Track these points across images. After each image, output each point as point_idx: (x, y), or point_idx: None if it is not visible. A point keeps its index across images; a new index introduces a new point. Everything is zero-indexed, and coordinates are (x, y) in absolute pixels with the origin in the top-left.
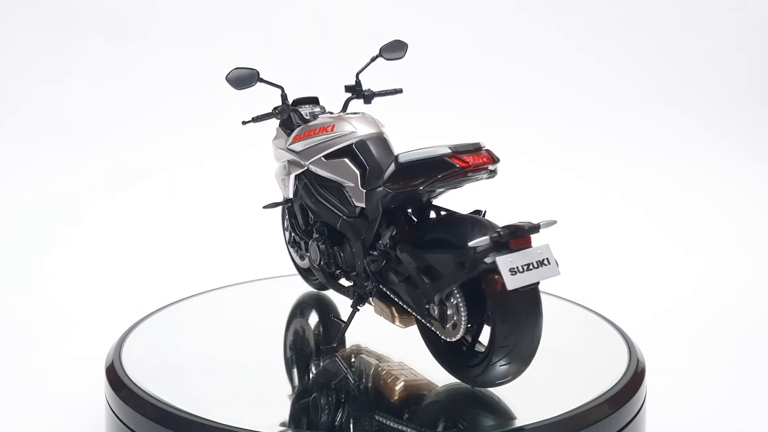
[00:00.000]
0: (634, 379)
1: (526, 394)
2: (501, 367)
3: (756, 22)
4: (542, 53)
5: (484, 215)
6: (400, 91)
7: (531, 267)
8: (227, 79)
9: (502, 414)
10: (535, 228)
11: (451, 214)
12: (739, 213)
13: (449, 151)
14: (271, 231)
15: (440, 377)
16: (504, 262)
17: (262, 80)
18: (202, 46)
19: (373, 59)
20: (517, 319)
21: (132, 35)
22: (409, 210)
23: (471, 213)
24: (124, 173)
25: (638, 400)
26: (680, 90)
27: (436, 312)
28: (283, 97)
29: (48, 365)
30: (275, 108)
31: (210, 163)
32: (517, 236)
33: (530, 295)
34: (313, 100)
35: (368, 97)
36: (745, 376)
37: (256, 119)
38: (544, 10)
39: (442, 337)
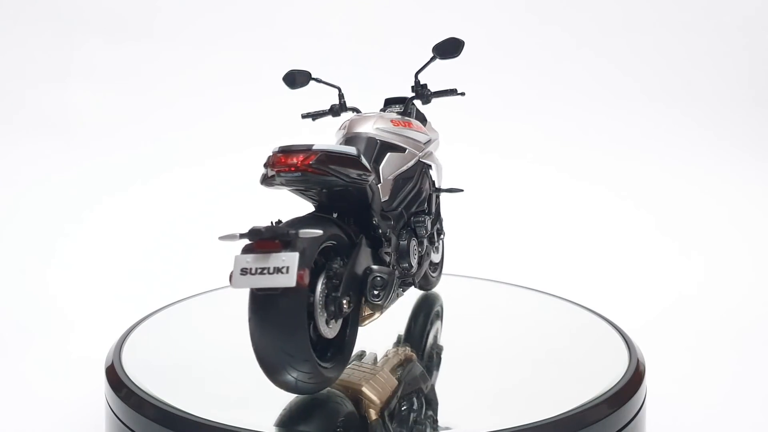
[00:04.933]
0: (633, 379)
1: (526, 394)
2: (263, 368)
3: (756, 22)
4: (545, 53)
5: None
6: (459, 92)
7: (265, 271)
8: (283, 79)
9: (501, 414)
10: (273, 233)
11: (310, 214)
12: (739, 213)
13: (278, 149)
14: None
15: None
16: (240, 260)
17: (318, 80)
18: (204, 47)
19: (431, 60)
20: (255, 322)
21: (134, 35)
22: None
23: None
24: (125, 173)
25: (638, 400)
26: (681, 90)
27: None
28: (340, 96)
29: (48, 366)
30: (332, 106)
31: (211, 163)
32: (259, 238)
33: (269, 301)
34: (401, 101)
35: (426, 97)
36: (745, 376)
37: (313, 116)
38: (548, 10)
39: None
